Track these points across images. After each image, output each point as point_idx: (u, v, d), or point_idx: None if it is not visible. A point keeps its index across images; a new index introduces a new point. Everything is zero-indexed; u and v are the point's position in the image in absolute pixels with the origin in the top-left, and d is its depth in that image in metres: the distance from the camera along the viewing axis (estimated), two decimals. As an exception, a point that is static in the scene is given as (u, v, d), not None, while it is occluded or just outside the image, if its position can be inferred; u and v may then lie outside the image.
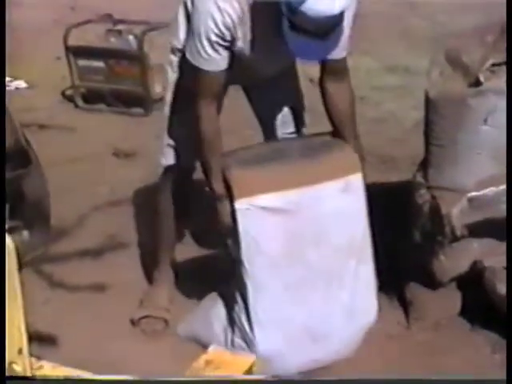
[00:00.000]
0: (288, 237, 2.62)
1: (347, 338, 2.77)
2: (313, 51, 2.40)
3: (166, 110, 2.88)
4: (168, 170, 2.93)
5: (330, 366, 2.69)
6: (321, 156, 2.69)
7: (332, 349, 2.71)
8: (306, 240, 2.65)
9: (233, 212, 2.58)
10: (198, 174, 2.90)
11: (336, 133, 2.77)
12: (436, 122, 2.82)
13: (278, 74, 2.78)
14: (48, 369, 1.79)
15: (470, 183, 2.74)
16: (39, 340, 2.66)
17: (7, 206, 2.43)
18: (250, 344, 2.63)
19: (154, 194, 3.09)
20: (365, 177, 2.73)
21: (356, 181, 2.69)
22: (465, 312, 2.90)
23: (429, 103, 2.84)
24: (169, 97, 2.86)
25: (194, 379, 1.75)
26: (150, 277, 3.14)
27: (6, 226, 2.26)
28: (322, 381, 1.49)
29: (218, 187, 2.61)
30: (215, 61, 2.51)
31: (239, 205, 2.56)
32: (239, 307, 2.66)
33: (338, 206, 2.66)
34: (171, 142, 2.87)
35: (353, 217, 2.71)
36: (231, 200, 2.58)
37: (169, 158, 2.90)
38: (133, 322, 2.95)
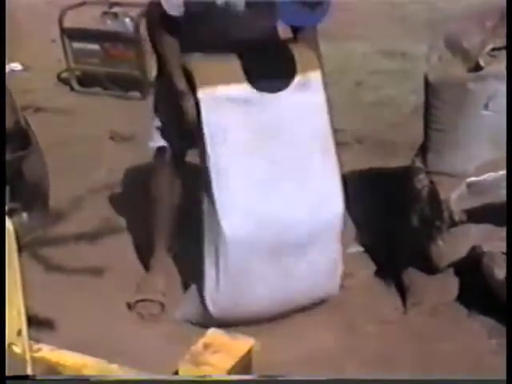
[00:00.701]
0: (249, 128, 2.68)
1: (315, 230, 2.77)
2: (302, 18, 2.46)
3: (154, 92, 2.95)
4: (159, 152, 2.93)
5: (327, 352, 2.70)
6: (281, 52, 2.75)
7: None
8: (268, 132, 2.70)
9: (196, 104, 2.62)
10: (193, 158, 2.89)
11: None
12: (436, 106, 2.82)
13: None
14: (46, 351, 1.79)
15: (469, 168, 2.73)
16: (36, 323, 2.65)
17: (7, 188, 2.42)
18: (218, 232, 2.65)
19: (147, 180, 3.07)
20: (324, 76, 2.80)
21: (315, 78, 2.76)
22: (462, 297, 2.90)
23: (429, 87, 2.83)
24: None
25: (195, 379, 1.74)
26: (146, 264, 3.13)
27: (6, 208, 2.24)
28: (321, 381, 1.49)
29: (180, 82, 2.66)
30: None
31: (202, 94, 2.62)
32: (206, 200, 2.69)
33: (297, 101, 2.72)
34: (159, 124, 2.89)
35: (313, 112, 2.77)
36: (193, 91, 2.63)
37: (157, 140, 2.91)
38: (129, 306, 2.95)
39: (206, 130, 2.62)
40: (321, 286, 2.84)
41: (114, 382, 1.69)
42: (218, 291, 2.68)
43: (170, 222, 3.03)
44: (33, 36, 5.88)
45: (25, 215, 2.69)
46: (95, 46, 5.19)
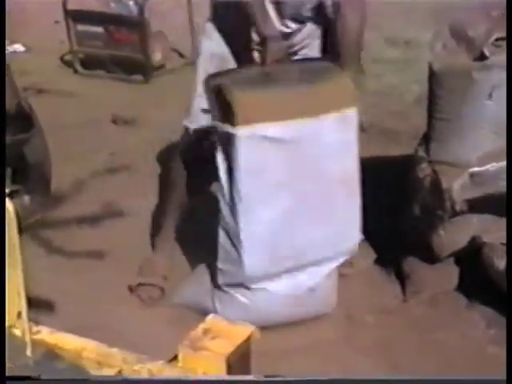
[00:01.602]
0: (284, 165, 2.62)
1: (329, 267, 2.77)
2: None
3: (201, 72, 2.85)
4: (191, 134, 2.89)
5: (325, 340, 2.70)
6: (319, 84, 2.65)
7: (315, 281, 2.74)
8: (301, 168, 2.65)
9: (231, 137, 2.53)
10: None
11: (338, 57, 2.76)
12: (440, 95, 2.80)
13: None
14: (46, 334, 1.78)
15: (472, 158, 2.72)
16: (37, 306, 2.66)
17: (9, 170, 2.42)
18: (238, 268, 2.65)
19: (166, 161, 3.04)
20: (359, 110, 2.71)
21: (352, 114, 2.68)
22: (462, 287, 2.90)
23: (433, 76, 2.81)
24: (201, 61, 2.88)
25: (196, 379, 1.74)
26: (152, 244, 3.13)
27: (8, 190, 2.24)
28: (321, 381, 1.48)
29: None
30: None
31: (241, 132, 2.50)
32: (229, 233, 2.66)
33: (334, 138, 2.65)
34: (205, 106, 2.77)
35: (346, 150, 2.70)
36: (231, 124, 2.51)
37: (196, 122, 2.86)
38: (130, 289, 2.95)
39: (242, 165, 2.54)
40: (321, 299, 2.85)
41: (116, 382, 1.69)
42: None
43: (182, 206, 3.01)
44: (36, 17, 5.86)
45: (27, 198, 2.69)
46: (99, 29, 5.18)
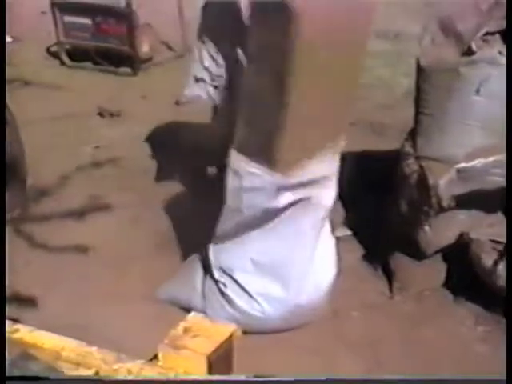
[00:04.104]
0: None
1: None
2: None
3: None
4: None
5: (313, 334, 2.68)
6: None
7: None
8: None
9: None
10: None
11: None
12: (427, 90, 2.78)
13: None
14: (24, 332, 1.75)
15: (459, 154, 2.70)
16: (19, 302, 2.63)
17: None
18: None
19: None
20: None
21: None
22: (449, 283, 2.89)
23: (420, 71, 2.79)
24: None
25: (193, 379, 1.72)
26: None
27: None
28: (320, 381, 1.46)
29: None
30: None
31: None
32: None
33: None
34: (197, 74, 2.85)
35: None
36: None
37: (192, 90, 2.89)
38: None
39: None
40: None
41: (116, 382, 1.67)
42: None
43: None
44: (22, 7, 5.79)
45: (2, 194, 2.64)
46: (86, 20, 5.12)
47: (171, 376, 1.73)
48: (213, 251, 2.71)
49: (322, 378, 1.39)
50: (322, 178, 2.53)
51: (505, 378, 1.43)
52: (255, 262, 2.64)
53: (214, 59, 2.84)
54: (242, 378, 1.55)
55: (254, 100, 2.48)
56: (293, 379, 1.48)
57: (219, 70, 2.85)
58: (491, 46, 2.74)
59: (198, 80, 2.87)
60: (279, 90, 2.36)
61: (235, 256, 2.66)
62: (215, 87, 2.87)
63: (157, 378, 1.67)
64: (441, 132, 2.74)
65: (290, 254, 2.61)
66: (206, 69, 2.85)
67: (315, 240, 2.63)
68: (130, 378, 1.66)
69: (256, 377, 1.52)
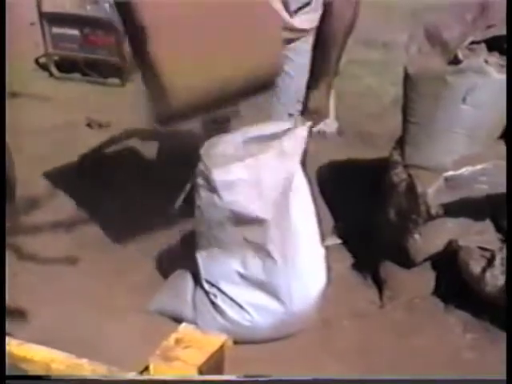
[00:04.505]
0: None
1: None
2: None
3: None
4: None
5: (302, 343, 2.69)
6: None
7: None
8: None
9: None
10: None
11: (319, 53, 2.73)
12: (414, 99, 2.80)
13: None
14: (13, 346, 1.75)
15: (446, 162, 2.72)
16: (8, 315, 2.62)
17: None
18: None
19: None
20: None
21: None
22: (438, 291, 2.89)
23: (407, 80, 2.81)
24: None
25: (191, 379, 1.72)
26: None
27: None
28: (320, 380, 1.47)
29: None
30: None
31: None
32: None
33: None
34: None
35: None
36: None
37: None
38: None
39: None
40: None
41: (116, 382, 1.67)
42: None
43: None
44: (11, 19, 5.78)
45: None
46: (74, 31, 5.12)
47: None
48: (201, 262, 2.72)
49: (322, 378, 1.39)
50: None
51: (505, 378, 1.44)
52: (242, 274, 2.65)
53: None
54: (233, 378, 1.56)
55: None
56: (290, 379, 1.49)
57: None
58: (477, 54, 2.77)
59: None
60: None
61: (222, 268, 2.67)
62: None
63: (156, 379, 1.67)
64: (428, 140, 2.76)
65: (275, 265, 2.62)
66: None
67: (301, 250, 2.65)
68: (130, 378, 1.66)
69: (246, 377, 1.53)
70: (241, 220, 2.58)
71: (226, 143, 2.66)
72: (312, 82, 2.79)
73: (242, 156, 2.59)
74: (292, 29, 2.76)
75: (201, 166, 2.59)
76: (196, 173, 2.61)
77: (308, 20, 2.76)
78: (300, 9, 2.75)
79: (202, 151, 2.60)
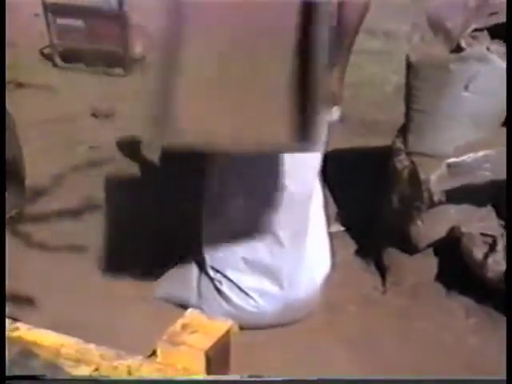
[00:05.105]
0: None
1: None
2: None
3: None
4: None
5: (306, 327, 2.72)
6: None
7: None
8: None
9: None
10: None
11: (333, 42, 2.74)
12: (417, 87, 2.81)
13: None
14: (23, 331, 1.78)
15: (449, 149, 2.74)
16: (17, 301, 2.66)
17: None
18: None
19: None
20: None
21: None
22: (441, 277, 2.92)
23: (410, 68, 2.82)
24: None
25: (194, 379, 1.75)
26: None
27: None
28: (319, 380, 1.49)
29: None
30: None
31: None
32: None
33: None
34: None
35: None
36: None
37: None
38: None
39: None
40: None
41: (115, 382, 1.69)
42: None
43: None
44: (16, 10, 5.81)
45: (-1, 194, 2.66)
46: (79, 22, 5.15)
47: (169, 373, 1.76)
48: (206, 250, 2.75)
49: (321, 378, 1.41)
50: None
51: (505, 377, 1.45)
52: (246, 261, 2.68)
53: None
54: (237, 377, 1.58)
55: None
56: (292, 379, 1.51)
57: None
58: (480, 42, 2.78)
59: None
60: None
61: (227, 255, 2.70)
62: None
63: (155, 378, 1.70)
64: (431, 127, 2.78)
65: (283, 250, 2.65)
66: None
67: (305, 235, 2.67)
68: (129, 378, 1.69)
69: (250, 377, 1.55)
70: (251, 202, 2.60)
71: None
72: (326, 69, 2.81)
73: None
74: None
75: None
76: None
77: None
78: None
79: None
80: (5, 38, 2.99)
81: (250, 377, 1.60)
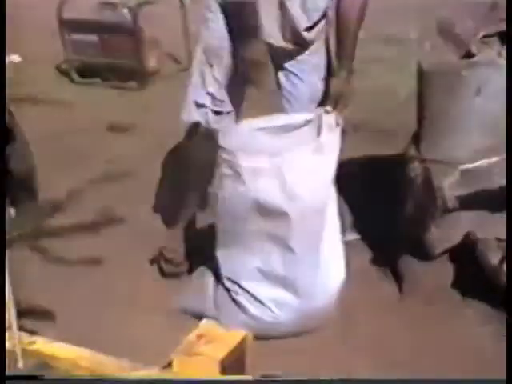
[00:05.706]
0: None
1: None
2: None
3: (195, 66, 2.92)
4: (192, 128, 2.93)
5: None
6: None
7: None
8: None
9: None
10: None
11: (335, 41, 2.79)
12: (429, 94, 2.82)
13: None
14: (40, 344, 1.81)
15: (462, 155, 2.74)
16: (36, 315, 2.68)
17: None
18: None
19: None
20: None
21: None
22: (457, 283, 2.91)
23: (422, 75, 2.83)
24: (198, 53, 2.91)
25: (197, 379, 1.77)
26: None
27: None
28: (319, 380, 1.50)
29: None
30: None
31: None
32: None
33: None
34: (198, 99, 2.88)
35: None
36: None
37: (192, 115, 2.91)
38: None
39: None
40: None
41: (115, 382, 1.71)
42: None
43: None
44: (32, 27, 5.88)
45: (12, 211, 2.68)
46: (93, 37, 5.21)
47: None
48: (221, 260, 2.76)
49: (321, 378, 1.42)
50: None
51: (505, 377, 1.45)
52: (262, 271, 2.69)
53: (218, 84, 2.87)
54: (249, 378, 1.59)
55: None
56: (296, 379, 1.52)
57: (222, 94, 2.88)
58: (491, 48, 2.79)
59: (199, 106, 2.90)
60: None
61: (242, 265, 2.71)
62: (216, 112, 2.90)
63: (155, 378, 1.72)
64: (444, 134, 2.79)
65: (296, 260, 2.66)
66: (210, 94, 2.88)
67: (319, 243, 2.68)
68: (129, 378, 1.70)
69: (263, 376, 1.56)
70: (264, 213, 2.61)
71: (242, 133, 2.69)
72: (331, 70, 2.84)
73: (264, 145, 2.62)
74: (304, 43, 2.83)
75: (223, 155, 2.61)
76: (219, 162, 2.64)
77: (318, 31, 2.83)
78: (316, 24, 2.82)
79: (221, 141, 2.63)
80: (5, 37, 3.01)
81: (262, 377, 1.62)
